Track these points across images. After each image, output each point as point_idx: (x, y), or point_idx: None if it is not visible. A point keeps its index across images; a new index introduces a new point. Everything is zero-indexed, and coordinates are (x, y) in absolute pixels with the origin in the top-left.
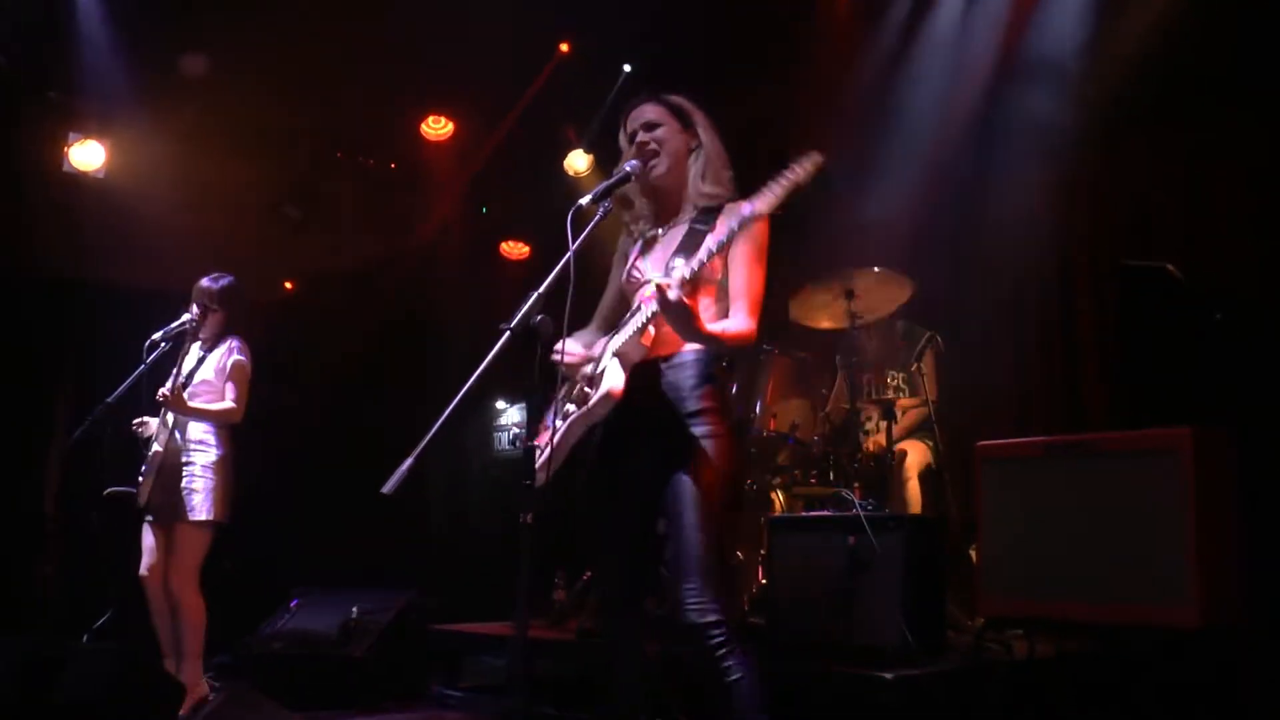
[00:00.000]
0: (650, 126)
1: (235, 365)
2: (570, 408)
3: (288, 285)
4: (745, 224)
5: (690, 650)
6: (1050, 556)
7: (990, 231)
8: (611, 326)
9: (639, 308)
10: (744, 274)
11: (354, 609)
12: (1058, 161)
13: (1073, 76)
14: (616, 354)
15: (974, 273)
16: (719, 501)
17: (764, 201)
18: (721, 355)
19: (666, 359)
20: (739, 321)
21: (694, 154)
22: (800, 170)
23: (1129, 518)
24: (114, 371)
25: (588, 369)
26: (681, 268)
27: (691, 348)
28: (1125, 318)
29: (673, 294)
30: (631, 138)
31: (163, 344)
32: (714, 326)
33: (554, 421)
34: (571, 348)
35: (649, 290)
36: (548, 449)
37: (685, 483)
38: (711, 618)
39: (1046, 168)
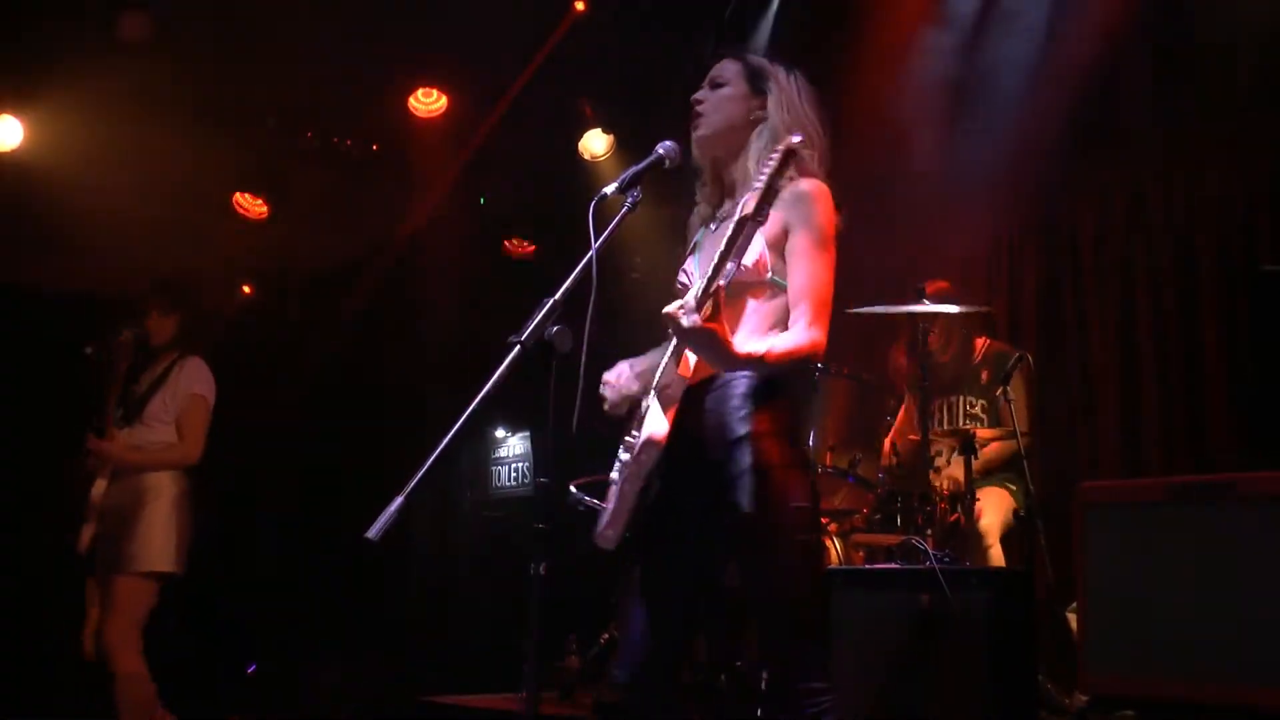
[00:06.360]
0: (716, 85)
1: (193, 400)
2: (624, 456)
3: (246, 290)
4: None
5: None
6: (1170, 623)
7: (1091, 230)
8: None
9: None
10: (804, 270)
11: (328, 677)
12: (1178, 144)
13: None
14: (657, 389)
15: (1071, 279)
16: (799, 541)
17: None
18: (778, 375)
19: (710, 382)
20: (796, 334)
21: (757, 127)
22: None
23: (1272, 577)
24: (26, 391)
25: (646, 400)
26: (697, 285)
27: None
28: (1262, 334)
29: (686, 321)
30: None
31: (98, 361)
32: (756, 345)
33: (613, 474)
34: (623, 374)
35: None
36: (610, 507)
37: (750, 526)
38: (802, 685)
39: (1164, 152)
